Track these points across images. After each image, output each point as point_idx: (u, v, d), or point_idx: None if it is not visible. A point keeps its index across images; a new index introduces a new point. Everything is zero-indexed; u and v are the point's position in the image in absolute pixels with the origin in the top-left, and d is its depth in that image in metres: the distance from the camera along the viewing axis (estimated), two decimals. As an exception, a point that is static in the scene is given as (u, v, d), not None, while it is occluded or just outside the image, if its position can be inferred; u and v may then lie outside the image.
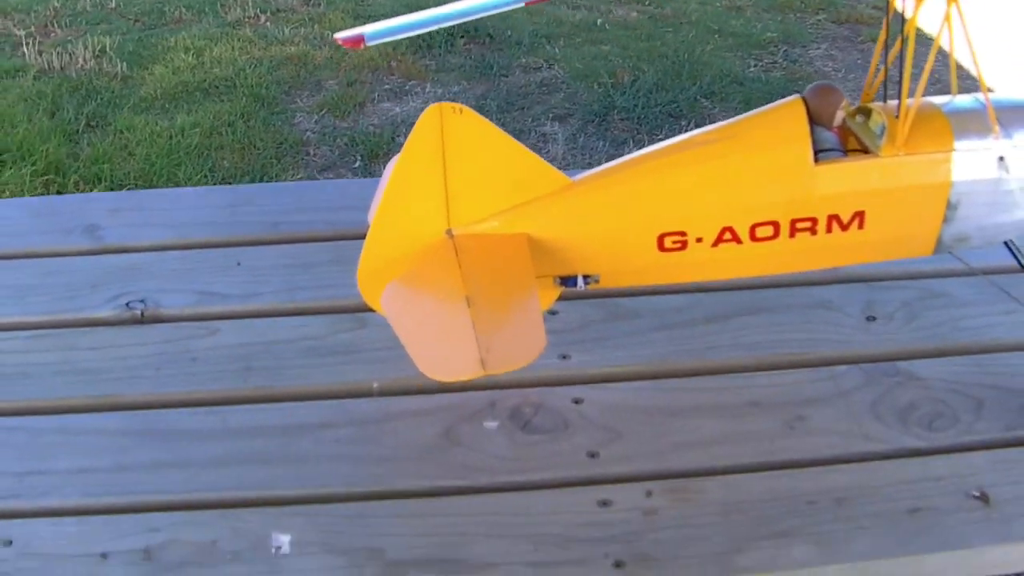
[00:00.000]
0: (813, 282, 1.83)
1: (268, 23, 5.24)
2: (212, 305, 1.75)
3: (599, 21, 5.49)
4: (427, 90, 4.67)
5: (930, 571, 1.37)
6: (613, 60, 5.06)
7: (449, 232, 1.44)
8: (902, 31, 1.45)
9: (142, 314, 1.71)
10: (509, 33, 5.24)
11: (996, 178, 1.50)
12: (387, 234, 1.45)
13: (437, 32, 5.03)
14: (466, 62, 4.96)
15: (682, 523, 1.37)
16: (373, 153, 4.16)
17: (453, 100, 4.30)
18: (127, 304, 1.74)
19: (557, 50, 5.14)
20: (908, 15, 1.44)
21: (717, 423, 1.54)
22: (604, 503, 1.40)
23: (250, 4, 5.44)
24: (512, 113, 4.49)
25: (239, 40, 5.06)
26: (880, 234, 1.53)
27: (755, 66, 5.09)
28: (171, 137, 4.19)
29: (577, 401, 1.57)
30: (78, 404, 1.55)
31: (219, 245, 1.89)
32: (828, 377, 1.63)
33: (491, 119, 1.40)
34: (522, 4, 1.43)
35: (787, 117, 1.49)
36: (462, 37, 5.15)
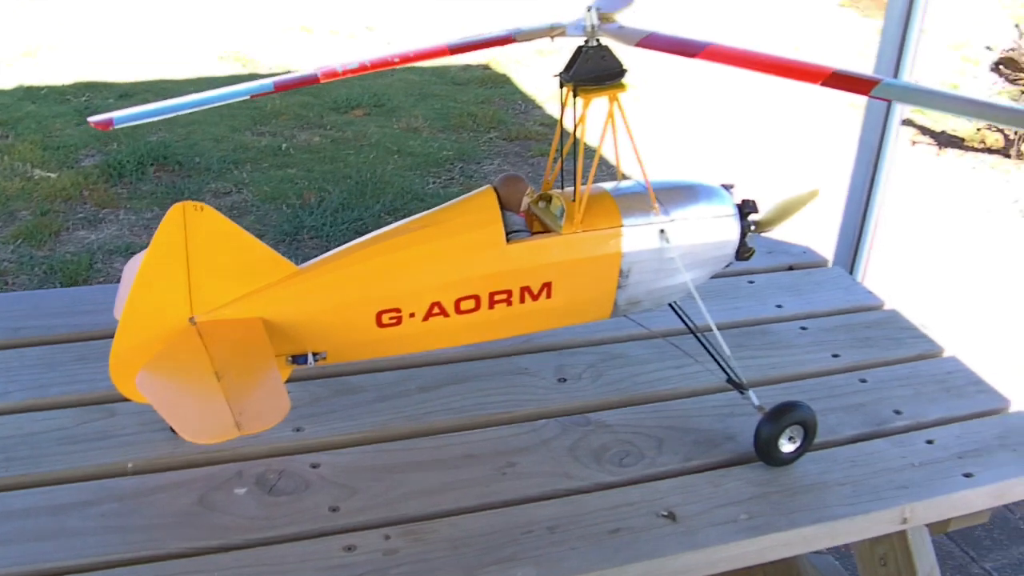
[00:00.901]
0: (510, 353, 2.08)
1: (-45, 156, 5.21)
2: (-37, 405, 1.85)
3: (284, 146, 5.68)
4: (121, 217, 4.73)
5: (632, 577, 1.63)
6: (300, 182, 5.25)
7: (192, 319, 1.61)
8: (574, 130, 1.74)
9: None
10: (198, 160, 5.37)
11: (659, 247, 1.80)
12: (136, 324, 1.60)
13: (127, 160, 5.15)
14: (158, 189, 5.05)
15: (419, 559, 1.58)
16: (72, 280, 4.20)
17: (147, 227, 4.39)
18: None
19: (245, 174, 5.30)
20: (578, 115, 1.73)
21: (438, 474, 1.76)
22: (349, 548, 1.59)
23: (-68, 138, 5.40)
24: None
25: (-76, 173, 5.01)
26: (566, 301, 1.80)
27: (434, 183, 5.40)
28: None
29: (315, 465, 1.76)
30: None
31: (-38, 351, 1.99)
32: (530, 430, 1.88)
33: (183, 242, 1.58)
34: (272, 90, 1.66)
35: (481, 204, 1.75)
36: (152, 165, 5.23)
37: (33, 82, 6.28)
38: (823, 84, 1.45)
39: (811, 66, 1.47)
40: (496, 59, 7.25)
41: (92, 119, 1.54)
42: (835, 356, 2.17)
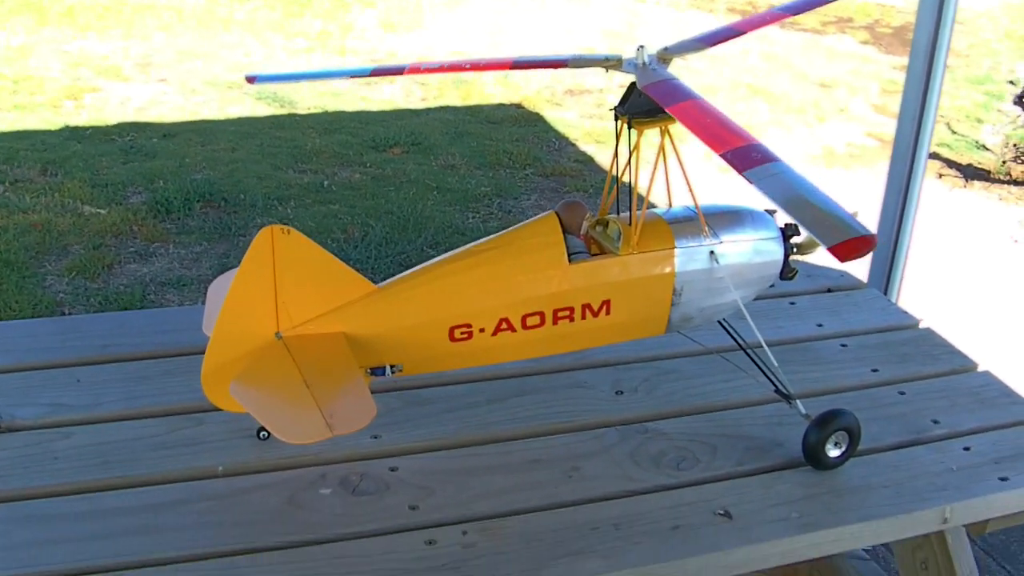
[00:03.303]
0: (569, 368, 2.21)
1: (8, 193, 5.36)
2: (63, 414, 1.98)
3: (325, 183, 5.83)
4: (170, 251, 4.88)
5: (692, 570, 1.75)
6: (343, 218, 5.40)
7: (278, 335, 1.74)
8: (628, 159, 1.87)
9: (0, 425, 1.93)
10: (242, 196, 5.52)
11: (709, 268, 1.92)
12: (226, 339, 1.74)
13: (174, 197, 5.30)
14: (204, 224, 5.20)
15: (495, 552, 1.71)
16: (126, 311, 4.34)
17: (196, 260, 4.53)
18: (-15, 418, 1.95)
19: (290, 210, 5.45)
20: (632, 145, 1.86)
21: (506, 478, 1.89)
22: (430, 542, 1.72)
23: (-15, 175, 5.57)
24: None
25: (-21, 210, 5.18)
26: (624, 318, 1.92)
27: (473, 217, 5.54)
28: (-75, 303, 4.28)
29: (393, 469, 1.88)
30: (-47, 501, 1.76)
31: (58, 366, 2.13)
32: (592, 438, 2.00)
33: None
34: (368, 74, 1.97)
35: (545, 228, 1.88)
36: (198, 202, 5.39)
37: (78, 123, 6.45)
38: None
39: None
40: (528, 98, 7.40)
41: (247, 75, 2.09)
42: (874, 371, 2.28)
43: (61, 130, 6.30)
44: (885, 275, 3.63)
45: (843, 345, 2.39)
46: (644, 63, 1.82)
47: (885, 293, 3.45)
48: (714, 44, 1.91)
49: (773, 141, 6.79)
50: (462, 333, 1.85)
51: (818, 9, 2.25)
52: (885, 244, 3.59)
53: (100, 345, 2.21)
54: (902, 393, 2.21)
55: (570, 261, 1.87)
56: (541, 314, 1.87)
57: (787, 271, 2.03)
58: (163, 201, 5.35)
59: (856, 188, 5.70)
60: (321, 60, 7.82)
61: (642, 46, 1.82)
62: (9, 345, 2.22)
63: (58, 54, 7.62)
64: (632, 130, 1.86)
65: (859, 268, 2.91)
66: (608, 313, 1.91)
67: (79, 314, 4.28)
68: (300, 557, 1.68)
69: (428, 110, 7.16)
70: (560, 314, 1.88)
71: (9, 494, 1.78)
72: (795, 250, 2.02)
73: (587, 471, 1.91)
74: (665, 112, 1.80)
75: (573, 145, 6.71)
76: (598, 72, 7.63)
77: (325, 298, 1.79)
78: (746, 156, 1.54)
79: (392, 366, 1.85)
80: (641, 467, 1.93)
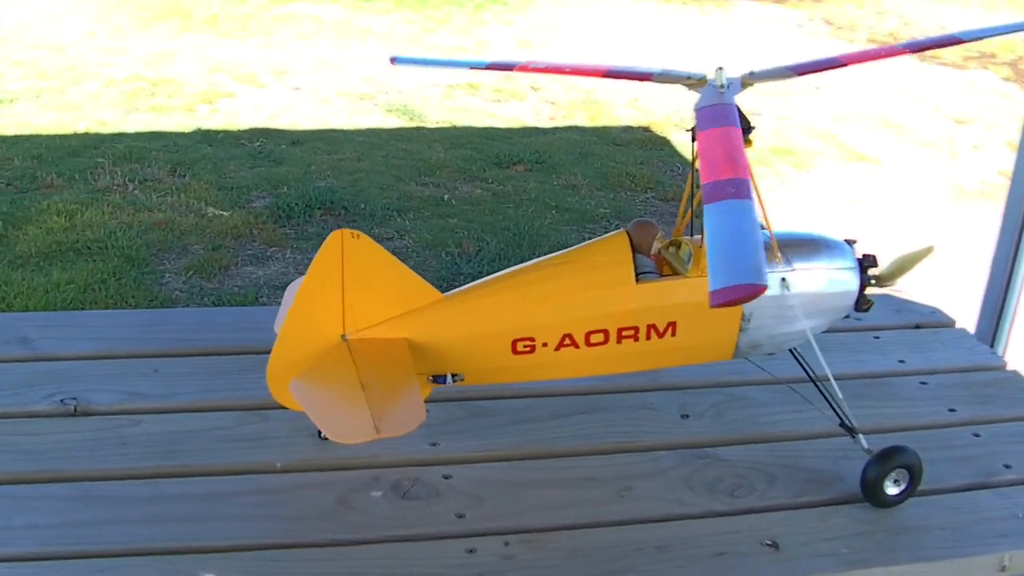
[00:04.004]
0: (638, 389, 2.21)
1: (136, 191, 5.54)
2: (136, 403, 2.05)
3: (446, 197, 5.90)
4: (287, 256, 4.99)
5: (732, 599, 1.73)
6: (459, 232, 5.46)
7: (344, 337, 1.78)
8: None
9: (75, 409, 2.01)
10: (363, 206, 5.61)
11: (780, 295, 1.90)
12: (293, 338, 1.79)
13: (296, 203, 5.41)
14: (323, 231, 5.29)
15: (535, 565, 1.72)
16: (212, 307, 4.45)
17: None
18: (61, 401, 2.03)
19: (408, 222, 5.52)
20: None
21: (560, 492, 1.89)
22: (471, 551, 1.73)
23: (119, 173, 5.73)
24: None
25: (109, 205, 5.34)
26: (689, 340, 1.91)
27: (588, 237, 5.52)
28: (47, 292, 4.43)
29: (447, 476, 1.91)
30: (24, 477, 1.84)
31: (139, 356, 2.21)
32: (651, 459, 2.00)
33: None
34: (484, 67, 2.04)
35: (613, 245, 1.89)
36: (319, 208, 5.50)
37: (211, 126, 6.64)
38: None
39: None
40: (657, 122, 7.40)
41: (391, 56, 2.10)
42: (951, 410, 2.24)
43: (193, 133, 6.50)
44: (995, 318, 3.54)
45: (923, 383, 2.35)
46: (723, 85, 1.81)
47: (994, 336, 3.36)
48: (804, 73, 1.89)
49: (898, 174, 6.69)
50: (524, 346, 1.86)
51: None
52: (997, 287, 3.51)
53: (183, 339, 2.28)
54: (977, 435, 2.16)
55: (637, 280, 1.87)
56: (605, 332, 1.88)
57: (862, 303, 2.00)
58: (285, 206, 5.48)
59: (982, 225, 5.57)
60: (454, 75, 7.93)
61: (721, 67, 1.82)
62: (97, 334, 2.31)
63: (198, 60, 7.86)
64: None
65: (968, 310, 2.87)
66: (673, 335, 1.91)
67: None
68: (344, 555, 1.71)
69: (555, 129, 7.21)
70: (624, 333, 1.88)
71: (74, 474, 1.84)
72: (873, 281, 1.99)
73: (640, 492, 1.91)
74: (743, 135, 1.80)
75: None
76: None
77: (392, 303, 1.83)
78: (720, 189, 1.51)
79: (454, 375, 1.88)
80: (695, 492, 1.92)
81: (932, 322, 2.63)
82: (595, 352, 1.89)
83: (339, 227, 5.24)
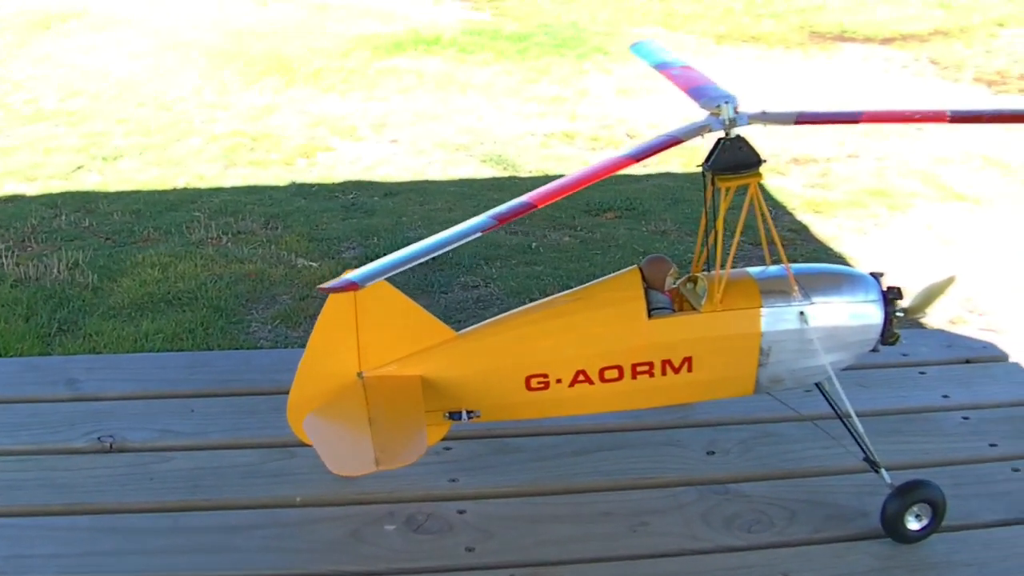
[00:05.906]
0: (667, 426, 2.21)
1: (229, 243, 5.68)
2: (168, 440, 2.12)
3: (534, 244, 5.93)
4: (373, 303, 5.06)
5: (737, 632, 1.73)
6: (545, 279, 5.48)
7: (360, 375, 1.83)
8: (715, 216, 1.89)
9: (111, 446, 2.08)
10: (450, 255, 5.68)
11: (799, 328, 1.90)
12: (311, 376, 1.85)
13: (385, 253, 5.45)
14: (410, 280, 5.36)
15: (539, 598, 1.73)
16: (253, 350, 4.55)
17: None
18: (98, 438, 2.11)
19: (494, 270, 5.57)
20: (719, 203, 1.88)
21: (572, 527, 1.91)
22: (476, 584, 1.76)
23: (213, 226, 5.88)
24: (450, 324, 4.88)
25: (202, 258, 5.48)
26: (706, 376, 1.92)
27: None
28: (136, 341, 4.57)
29: (461, 512, 1.94)
30: (54, 509, 1.92)
31: (178, 396, 2.29)
32: (668, 495, 2.00)
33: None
34: (490, 226, 1.69)
35: (625, 282, 1.91)
36: (408, 258, 5.57)
37: (307, 180, 6.78)
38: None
39: None
40: (754, 167, 7.35)
41: (326, 286, 1.61)
42: (992, 445, 2.20)
43: (288, 186, 6.64)
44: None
45: (965, 418, 2.31)
46: (730, 119, 1.83)
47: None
48: (806, 123, 1.89)
49: (998, 214, 6.57)
50: (538, 383, 1.89)
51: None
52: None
53: (221, 380, 2.35)
54: (1016, 470, 2.12)
55: (650, 316, 1.89)
56: (619, 368, 1.89)
57: (888, 336, 1.98)
58: (374, 256, 5.46)
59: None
60: (552, 124, 8.00)
61: (727, 101, 1.84)
62: (139, 375, 2.39)
63: (299, 113, 8.03)
64: (718, 187, 1.88)
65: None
66: (690, 370, 1.91)
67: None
68: (346, 587, 1.75)
69: (648, 176, 7.20)
70: (639, 369, 1.90)
71: (101, 507, 1.92)
72: (899, 314, 1.98)
73: (655, 527, 1.91)
74: (751, 167, 1.81)
75: (790, 214, 6.63)
76: (827, 141, 7.57)
77: (406, 342, 1.88)
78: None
79: (469, 412, 1.91)
80: (711, 527, 1.91)
81: (983, 356, 2.59)
82: (610, 388, 1.90)
83: (425, 276, 5.35)
